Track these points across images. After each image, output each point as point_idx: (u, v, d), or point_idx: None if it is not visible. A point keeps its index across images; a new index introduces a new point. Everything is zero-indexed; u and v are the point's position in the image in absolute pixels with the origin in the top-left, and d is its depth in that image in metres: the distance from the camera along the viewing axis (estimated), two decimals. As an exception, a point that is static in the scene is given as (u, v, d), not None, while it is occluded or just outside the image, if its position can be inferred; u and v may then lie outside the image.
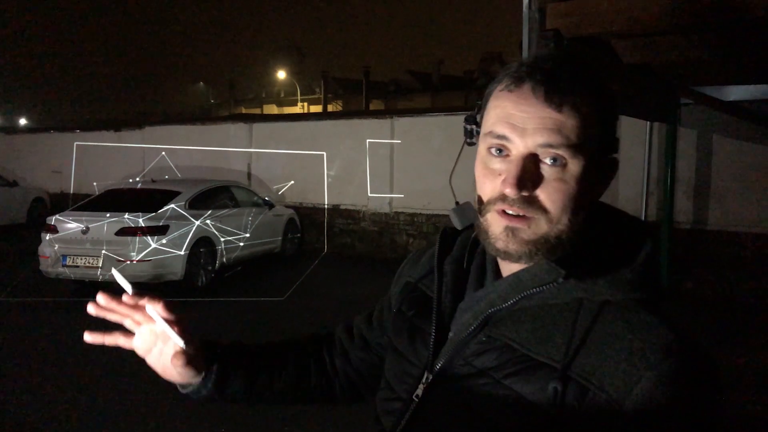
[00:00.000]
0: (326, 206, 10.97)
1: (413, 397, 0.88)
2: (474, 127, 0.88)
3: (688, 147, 7.63)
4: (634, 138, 7.85)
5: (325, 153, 10.82)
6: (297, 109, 45.02)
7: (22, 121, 48.28)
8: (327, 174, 10.81)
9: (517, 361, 0.78)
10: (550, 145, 0.76)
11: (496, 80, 0.84)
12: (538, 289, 0.80)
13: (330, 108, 39.37)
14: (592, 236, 0.82)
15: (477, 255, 0.94)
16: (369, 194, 10.47)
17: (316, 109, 41.15)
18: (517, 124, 0.78)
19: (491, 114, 0.82)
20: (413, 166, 9.93)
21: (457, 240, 0.97)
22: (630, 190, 7.88)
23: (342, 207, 10.88)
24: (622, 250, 0.81)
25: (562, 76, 0.78)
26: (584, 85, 0.79)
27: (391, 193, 10.33)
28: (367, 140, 10.40)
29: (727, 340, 5.65)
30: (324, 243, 10.93)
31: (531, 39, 3.81)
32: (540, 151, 0.77)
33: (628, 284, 0.78)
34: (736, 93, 6.74)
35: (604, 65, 4.74)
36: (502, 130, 0.79)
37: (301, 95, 47.35)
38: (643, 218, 7.51)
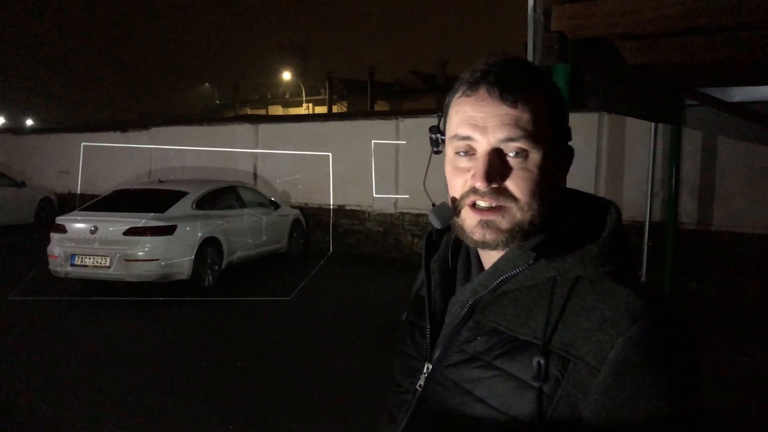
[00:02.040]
0: (332, 207, 11.01)
1: (417, 387, 0.94)
2: (438, 135, 0.95)
3: (692, 148, 7.64)
4: (639, 139, 7.86)
5: (330, 154, 10.86)
6: (302, 110, 45.10)
7: (29, 122, 48.50)
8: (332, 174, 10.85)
9: (505, 342, 0.84)
10: (511, 139, 0.84)
11: (453, 90, 0.91)
12: (512, 272, 0.86)
13: (335, 109, 39.41)
14: (561, 218, 0.89)
15: (461, 252, 1.00)
16: (374, 195, 10.51)
17: (321, 110, 41.21)
18: (478, 123, 0.85)
19: (454, 119, 0.89)
20: (418, 166, 9.92)
21: (442, 240, 1.03)
22: (634, 191, 7.89)
23: (347, 207, 10.93)
24: (588, 228, 0.88)
25: (513, 75, 0.85)
26: (533, 82, 0.86)
27: (396, 193, 10.36)
28: (373, 141, 10.43)
29: (732, 340, 5.67)
30: (329, 243, 10.97)
31: (536, 41, 3.84)
32: (502, 146, 0.85)
33: (596, 259, 0.84)
34: (740, 94, 6.75)
35: (609, 66, 4.76)
36: (465, 131, 0.86)
37: (306, 96, 47.41)
38: (647, 219, 7.52)
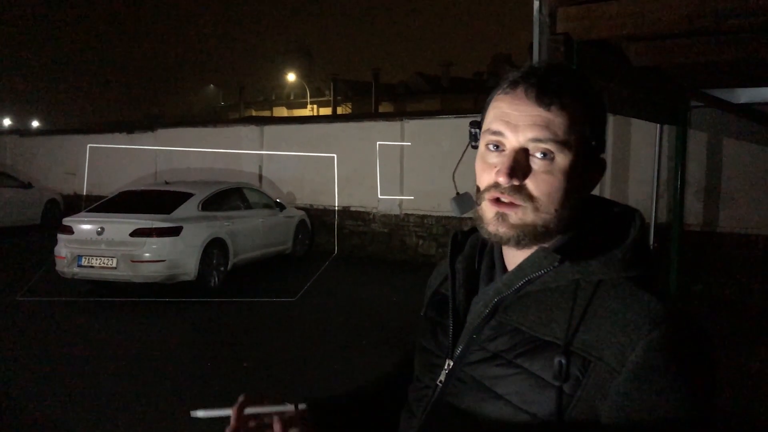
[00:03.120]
0: (337, 208, 11.03)
1: (437, 383, 0.96)
2: (477, 131, 0.96)
3: (698, 149, 7.63)
4: (644, 140, 7.85)
5: (335, 155, 10.89)
6: (306, 112, 45.14)
7: (35, 124, 48.72)
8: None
9: (526, 342, 0.86)
10: (539, 140, 0.86)
11: (495, 87, 0.94)
12: (537, 273, 0.88)
13: (339, 110, 39.47)
14: (586, 223, 0.91)
15: (486, 253, 1.02)
16: (379, 196, 10.52)
17: (326, 111, 41.26)
18: (511, 121, 0.87)
19: (490, 114, 0.92)
20: (423, 168, 9.97)
21: (467, 241, 1.05)
22: (640, 192, 7.88)
23: (352, 209, 10.94)
24: (613, 234, 0.89)
25: (553, 80, 0.87)
26: (572, 89, 0.88)
27: (401, 194, 10.38)
28: (377, 142, 10.45)
29: (738, 342, 5.65)
30: (334, 244, 10.99)
31: (541, 42, 3.84)
32: (530, 146, 0.87)
33: (619, 263, 0.86)
34: (746, 95, 6.73)
35: (614, 68, 4.77)
36: (497, 126, 0.89)
37: (310, 98, 47.48)
38: (653, 220, 7.51)
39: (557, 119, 0.86)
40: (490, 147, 0.90)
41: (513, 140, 0.87)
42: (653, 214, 7.53)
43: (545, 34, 3.88)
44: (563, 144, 0.86)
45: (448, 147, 9.40)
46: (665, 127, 7.45)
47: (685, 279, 7.40)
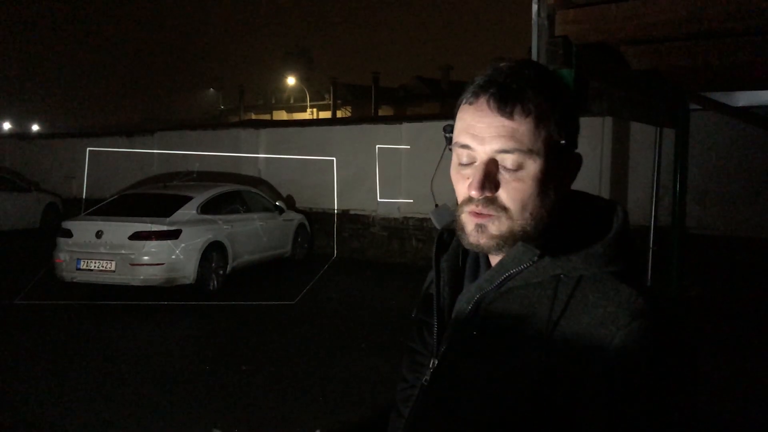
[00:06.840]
0: (336, 211, 11.03)
1: (423, 382, 0.97)
2: (451, 135, 0.97)
3: (697, 153, 7.62)
4: (643, 144, 7.86)
5: (334, 158, 10.89)
6: (306, 115, 45.20)
7: (35, 127, 48.76)
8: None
9: (509, 337, 0.87)
10: (506, 151, 0.86)
11: (463, 93, 0.93)
12: (517, 269, 0.88)
13: (339, 114, 39.55)
14: (568, 219, 0.91)
15: (471, 251, 1.01)
16: (378, 199, 10.52)
17: (326, 115, 41.33)
18: (477, 133, 0.88)
19: (457, 126, 0.92)
20: (422, 171, 9.96)
21: (453, 239, 1.05)
22: (639, 196, 7.89)
23: (352, 212, 10.94)
24: (594, 229, 0.89)
25: (513, 86, 0.86)
26: (536, 91, 0.86)
27: (401, 198, 10.38)
28: (377, 146, 10.46)
29: (736, 346, 5.65)
30: (334, 248, 10.98)
31: (540, 46, 3.84)
32: (498, 157, 0.87)
33: (600, 258, 0.86)
34: (745, 98, 6.73)
35: (613, 71, 4.77)
36: (465, 140, 0.89)
37: (310, 101, 47.53)
38: (652, 223, 7.50)
39: (521, 127, 0.85)
40: (463, 159, 0.91)
41: (481, 152, 0.88)
42: (653, 218, 7.52)
43: (544, 37, 3.87)
44: (530, 151, 0.86)
45: (447, 150, 9.38)
46: (664, 130, 7.44)
47: (685, 282, 7.39)
